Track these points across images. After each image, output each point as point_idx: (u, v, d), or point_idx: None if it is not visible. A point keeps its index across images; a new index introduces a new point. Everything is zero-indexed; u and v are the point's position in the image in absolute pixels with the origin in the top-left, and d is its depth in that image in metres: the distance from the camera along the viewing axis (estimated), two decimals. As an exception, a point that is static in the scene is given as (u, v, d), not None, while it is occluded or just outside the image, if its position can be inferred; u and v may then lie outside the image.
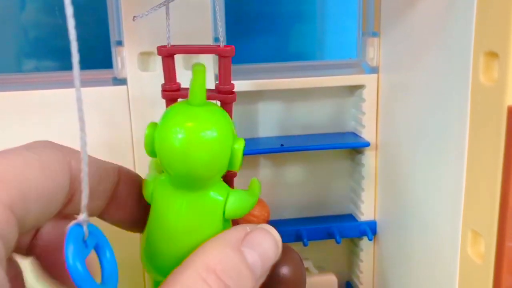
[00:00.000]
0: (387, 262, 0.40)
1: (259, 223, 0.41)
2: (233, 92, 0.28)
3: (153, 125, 0.23)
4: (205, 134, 0.22)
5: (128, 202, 0.25)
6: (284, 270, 0.30)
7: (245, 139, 0.41)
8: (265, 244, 0.22)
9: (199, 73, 0.22)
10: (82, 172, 0.19)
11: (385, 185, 0.40)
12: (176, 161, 0.22)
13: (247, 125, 0.41)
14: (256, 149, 0.39)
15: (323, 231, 0.41)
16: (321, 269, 0.44)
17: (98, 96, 0.36)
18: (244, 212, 0.25)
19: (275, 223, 0.42)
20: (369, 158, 0.40)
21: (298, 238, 0.41)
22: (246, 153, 0.39)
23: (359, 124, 0.41)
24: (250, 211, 0.41)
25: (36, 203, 0.19)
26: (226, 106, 0.29)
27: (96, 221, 0.23)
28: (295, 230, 0.41)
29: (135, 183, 0.25)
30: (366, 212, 0.41)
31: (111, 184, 0.24)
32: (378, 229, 0.41)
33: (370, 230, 0.41)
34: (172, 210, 0.23)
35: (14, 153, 0.20)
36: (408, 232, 0.36)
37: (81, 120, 0.19)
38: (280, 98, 0.41)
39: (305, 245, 0.40)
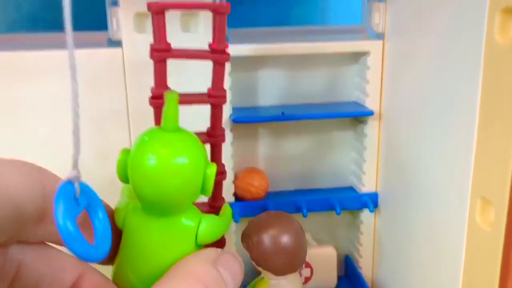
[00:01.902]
0: (388, 234, 0.39)
1: (258, 193, 0.40)
2: (226, 52, 0.27)
3: (126, 151, 0.23)
4: (177, 161, 0.22)
5: None
6: (285, 239, 0.29)
7: (244, 108, 0.40)
8: (235, 266, 0.22)
9: (172, 100, 0.23)
10: (54, 191, 0.18)
11: (388, 156, 0.38)
12: (148, 187, 0.22)
13: (246, 93, 0.40)
14: (255, 117, 0.37)
15: (323, 202, 0.40)
16: (321, 242, 0.43)
17: (92, 59, 0.34)
18: (216, 237, 0.24)
19: (274, 195, 0.42)
20: (372, 128, 0.39)
21: (297, 209, 0.40)
22: (245, 121, 0.38)
23: (362, 93, 0.39)
24: (250, 181, 0.40)
25: (3, 205, 0.18)
26: (219, 67, 0.28)
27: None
28: (295, 201, 0.40)
29: (107, 209, 0.24)
30: (367, 184, 0.40)
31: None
32: (380, 201, 0.40)
33: (372, 202, 0.40)
34: (144, 236, 0.23)
35: None
36: (412, 203, 0.35)
37: (74, 79, 0.18)
38: (281, 65, 0.40)
39: (304, 216, 0.39)
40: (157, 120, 0.28)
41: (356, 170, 0.42)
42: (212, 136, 0.29)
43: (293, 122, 0.41)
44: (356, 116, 0.40)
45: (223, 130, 0.29)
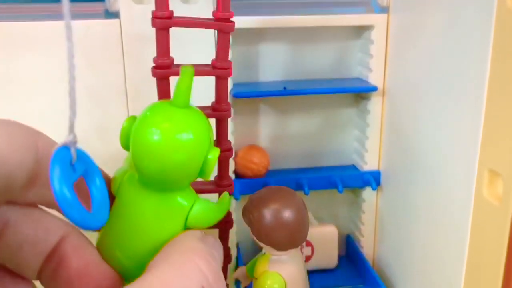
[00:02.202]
0: (390, 213, 0.39)
1: (259, 170, 0.39)
2: (231, 21, 0.26)
3: (132, 118, 0.22)
4: (180, 137, 0.21)
5: (90, 196, 0.23)
6: (287, 213, 0.29)
7: (245, 83, 0.39)
8: (218, 247, 0.23)
9: (187, 74, 0.22)
10: (48, 155, 0.18)
11: (391, 133, 0.38)
12: (147, 159, 0.21)
13: (247, 68, 0.39)
14: (256, 92, 0.37)
15: (325, 180, 0.39)
16: (322, 221, 0.43)
17: (89, 30, 0.33)
18: (207, 224, 0.23)
19: (275, 172, 0.41)
20: (375, 104, 0.38)
21: (299, 187, 0.39)
22: (246, 96, 0.37)
23: (366, 69, 0.39)
24: (250, 158, 0.39)
25: None
26: (224, 36, 0.27)
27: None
28: (296, 179, 0.39)
29: (106, 180, 0.24)
30: (370, 162, 0.40)
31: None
32: (382, 180, 0.40)
33: (374, 180, 0.39)
34: (136, 207, 0.22)
35: None
36: (416, 180, 0.34)
37: (69, 40, 0.17)
38: (283, 39, 0.39)
39: (306, 194, 0.38)
40: (161, 92, 0.27)
41: (358, 148, 0.41)
42: (217, 110, 0.28)
43: (295, 98, 0.40)
44: (359, 92, 0.39)
45: (228, 104, 0.28)
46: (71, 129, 0.18)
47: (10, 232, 0.20)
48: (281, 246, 0.29)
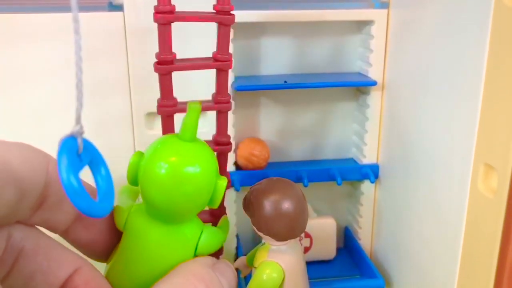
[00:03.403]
0: (388, 206, 0.40)
1: (259, 162, 0.40)
2: (231, 14, 0.27)
3: (139, 154, 0.23)
4: (188, 170, 0.22)
5: (97, 224, 0.24)
6: (286, 204, 0.29)
7: (246, 76, 0.40)
8: (229, 273, 0.23)
9: (194, 110, 0.23)
10: (57, 179, 0.19)
11: (390, 127, 0.38)
12: (158, 193, 0.22)
13: (248, 62, 0.40)
14: (258, 85, 0.37)
15: (324, 172, 0.40)
16: (320, 213, 0.44)
17: (92, 23, 0.34)
18: (215, 249, 0.24)
19: (275, 164, 0.42)
20: (374, 98, 0.39)
21: (298, 179, 0.40)
22: (247, 89, 0.37)
23: (366, 63, 0.39)
24: (251, 151, 0.40)
25: (10, 186, 0.18)
26: (224, 28, 0.27)
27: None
28: (296, 171, 0.40)
29: None
30: (368, 155, 0.40)
31: None
32: (381, 173, 0.40)
33: (372, 173, 0.40)
34: (145, 240, 0.23)
35: None
36: (413, 174, 0.35)
37: (76, 32, 0.17)
38: (284, 33, 0.39)
39: (305, 186, 0.39)
40: (163, 88, 0.28)
41: (357, 141, 0.42)
42: (218, 103, 0.28)
43: (296, 92, 0.40)
44: (359, 86, 0.39)
45: (229, 96, 0.28)
46: (78, 120, 0.19)
47: (25, 261, 0.21)
48: (281, 236, 0.29)
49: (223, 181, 0.23)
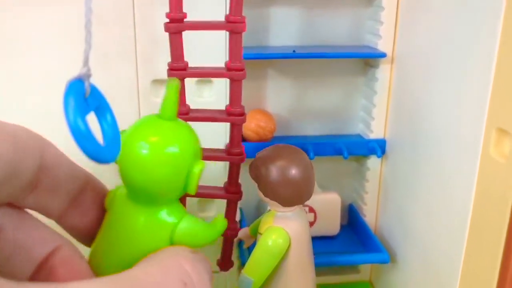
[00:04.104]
0: (394, 181, 0.39)
1: (265, 134, 0.39)
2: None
3: (121, 133, 0.22)
4: (169, 150, 0.21)
5: (90, 211, 0.23)
6: (294, 170, 0.29)
7: (253, 47, 0.39)
8: (207, 263, 0.22)
9: (172, 87, 0.22)
10: (53, 165, 0.20)
11: (398, 101, 0.38)
12: (134, 172, 0.21)
13: (257, 31, 0.39)
14: (265, 54, 0.37)
15: (330, 146, 0.40)
16: (325, 189, 0.43)
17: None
18: (193, 244, 0.23)
19: (280, 138, 0.41)
20: (383, 72, 0.38)
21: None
22: (254, 57, 0.37)
23: (375, 36, 0.38)
24: (257, 122, 0.39)
25: None
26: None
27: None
28: (301, 144, 0.39)
29: (101, 194, 0.24)
30: (376, 130, 0.40)
31: (76, 187, 0.23)
32: (387, 148, 0.40)
33: (380, 147, 0.39)
34: (124, 221, 0.23)
35: None
36: (422, 148, 0.34)
37: None
38: (294, 4, 0.39)
39: (311, 159, 0.38)
40: (173, 50, 0.27)
41: (365, 117, 0.41)
42: (231, 70, 0.28)
43: (303, 64, 0.40)
44: (368, 57, 0.39)
45: (242, 63, 0.28)
46: (86, 62, 0.18)
47: (5, 236, 0.20)
48: (287, 202, 0.29)
49: (199, 166, 0.22)
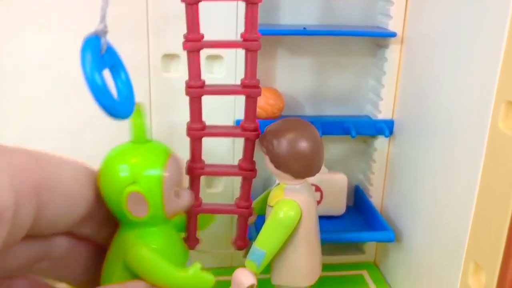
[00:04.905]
0: (401, 162, 0.39)
1: (273, 112, 0.39)
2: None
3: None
4: (104, 172, 0.23)
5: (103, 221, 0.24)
6: (304, 142, 0.29)
7: (265, 24, 0.39)
8: None
9: (139, 112, 0.22)
10: None
11: (408, 81, 0.38)
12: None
13: (268, 9, 0.39)
14: (276, 30, 0.37)
15: (338, 125, 0.40)
16: (332, 169, 0.43)
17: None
18: (142, 273, 0.23)
19: (288, 117, 0.41)
20: (393, 52, 0.38)
21: (312, 131, 0.39)
22: (265, 33, 0.36)
23: (386, 17, 0.38)
24: (266, 100, 0.39)
25: (58, 198, 0.20)
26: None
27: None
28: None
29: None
30: (384, 111, 0.40)
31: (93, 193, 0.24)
32: (395, 129, 0.40)
33: (387, 128, 0.39)
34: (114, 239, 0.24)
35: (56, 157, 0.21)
36: (430, 126, 0.34)
37: None
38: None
39: (319, 137, 0.38)
40: (189, 20, 0.27)
41: (373, 98, 0.42)
42: (247, 40, 0.28)
43: (313, 44, 0.40)
44: (379, 36, 0.39)
45: (258, 34, 0.28)
46: (103, 18, 0.18)
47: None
48: (298, 174, 0.29)
49: (131, 187, 0.22)
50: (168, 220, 0.25)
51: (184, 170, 0.27)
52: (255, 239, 0.30)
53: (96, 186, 0.22)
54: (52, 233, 0.22)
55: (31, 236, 0.21)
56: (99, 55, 0.19)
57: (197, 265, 0.23)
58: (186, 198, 0.25)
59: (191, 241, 0.31)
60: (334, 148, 0.43)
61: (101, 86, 0.18)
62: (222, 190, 0.40)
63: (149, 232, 0.23)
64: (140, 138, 0.23)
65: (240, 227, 0.32)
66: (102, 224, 0.24)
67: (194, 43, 0.27)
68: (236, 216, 0.32)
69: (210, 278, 0.23)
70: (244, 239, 0.32)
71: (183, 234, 0.31)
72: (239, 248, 0.32)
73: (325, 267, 0.33)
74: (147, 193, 0.22)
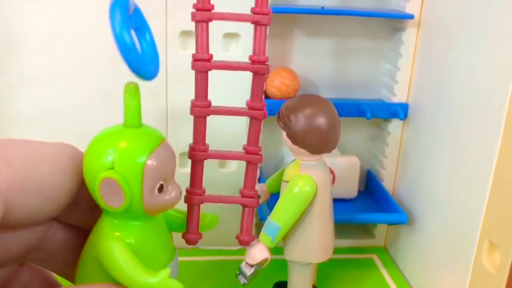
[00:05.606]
0: (415, 146, 0.39)
1: (288, 93, 0.40)
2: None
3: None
4: (86, 157, 0.21)
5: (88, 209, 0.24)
6: (322, 118, 0.29)
7: (282, 3, 0.39)
8: None
9: (131, 92, 0.21)
10: None
11: (423, 64, 0.38)
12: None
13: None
14: (293, 8, 0.37)
15: (353, 107, 0.40)
16: (344, 152, 0.43)
17: None
18: (106, 267, 0.21)
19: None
20: (410, 35, 0.38)
21: (326, 113, 0.39)
22: (282, 11, 0.37)
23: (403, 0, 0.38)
24: (281, 80, 0.39)
25: (31, 196, 0.19)
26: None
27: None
28: (325, 105, 0.40)
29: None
30: (399, 94, 0.40)
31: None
32: (410, 112, 0.40)
33: (402, 111, 0.39)
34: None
35: (29, 143, 0.20)
36: (445, 110, 0.34)
37: None
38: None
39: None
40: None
41: (388, 82, 0.42)
42: (257, 13, 0.28)
43: (330, 25, 0.40)
44: (396, 18, 0.39)
45: (269, 10, 0.27)
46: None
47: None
48: (314, 149, 0.29)
49: (105, 173, 0.20)
50: (153, 217, 0.22)
51: (175, 162, 0.23)
52: (266, 218, 0.30)
53: (81, 172, 0.21)
54: (37, 224, 0.21)
55: (19, 227, 0.20)
56: (127, 14, 0.19)
57: (166, 272, 0.20)
58: (172, 194, 0.22)
59: (191, 235, 0.27)
60: (347, 132, 0.43)
61: (130, 45, 0.18)
62: (235, 170, 0.40)
63: (129, 226, 0.21)
64: (132, 122, 0.21)
65: (245, 219, 0.28)
66: (88, 210, 0.23)
67: (202, 12, 0.26)
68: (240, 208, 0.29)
69: (177, 287, 0.20)
70: (250, 233, 0.29)
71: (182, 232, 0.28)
72: (244, 243, 0.29)
73: (335, 250, 0.33)
74: (123, 181, 0.20)
